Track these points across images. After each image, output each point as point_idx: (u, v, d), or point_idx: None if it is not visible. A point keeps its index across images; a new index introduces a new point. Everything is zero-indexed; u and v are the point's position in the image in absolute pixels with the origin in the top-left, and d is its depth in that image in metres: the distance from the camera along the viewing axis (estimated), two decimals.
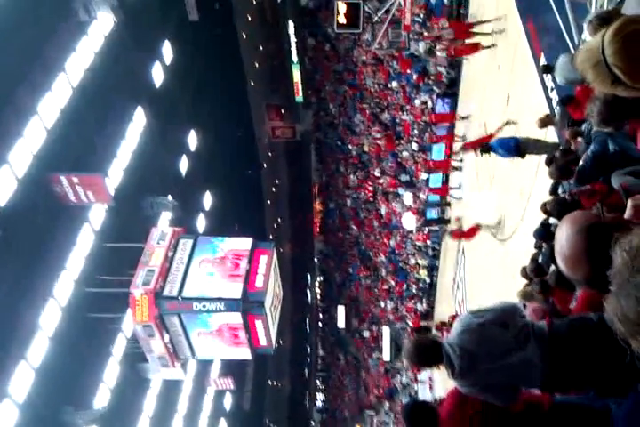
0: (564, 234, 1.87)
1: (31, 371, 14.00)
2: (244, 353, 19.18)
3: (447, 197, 22.58)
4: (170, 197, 20.31)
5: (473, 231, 17.18)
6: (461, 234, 18.37)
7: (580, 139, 5.93)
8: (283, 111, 36.38)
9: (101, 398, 16.89)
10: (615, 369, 2.74)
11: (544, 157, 7.51)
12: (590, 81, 2.03)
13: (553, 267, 5.59)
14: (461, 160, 20.97)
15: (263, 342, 18.96)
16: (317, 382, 48.13)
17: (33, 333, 14.28)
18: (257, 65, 34.89)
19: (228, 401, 29.55)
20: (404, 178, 27.57)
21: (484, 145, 10.17)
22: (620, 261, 1.27)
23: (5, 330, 13.36)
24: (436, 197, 22.91)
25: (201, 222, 25.28)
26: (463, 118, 20.37)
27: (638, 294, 1.19)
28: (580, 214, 1.88)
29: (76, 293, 15.94)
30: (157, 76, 21.25)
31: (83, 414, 15.30)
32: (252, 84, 33.40)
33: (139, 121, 19.60)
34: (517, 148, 9.20)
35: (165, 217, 20.69)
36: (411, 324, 30.45)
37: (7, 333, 13.44)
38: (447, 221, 23.39)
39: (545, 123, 7.95)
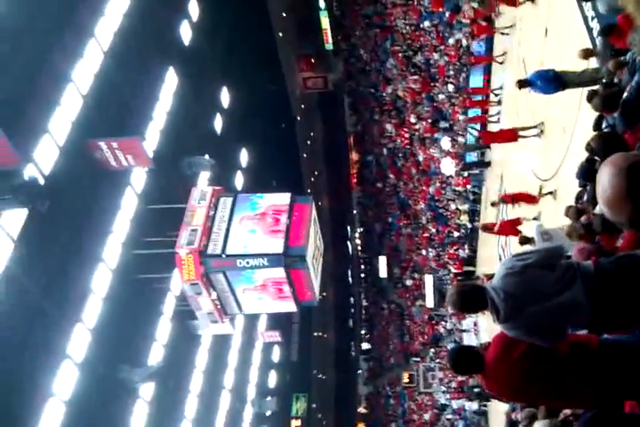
0: (604, 177, 1.85)
1: (87, 332, 14.52)
2: (289, 306, 19.52)
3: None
4: (207, 157, 20.40)
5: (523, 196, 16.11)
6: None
7: (624, 70, 5.66)
8: (313, 61, 35.73)
9: (155, 355, 17.49)
10: None
11: (586, 91, 7.22)
12: (632, 12, 1.91)
13: (597, 209, 5.45)
14: (499, 102, 20.43)
15: (307, 294, 19.23)
16: (362, 331, 48.91)
17: (86, 295, 14.74)
18: (284, 15, 34.15)
19: (276, 353, 30.35)
20: (443, 124, 27.03)
21: (521, 80, 9.82)
22: None
23: (61, 294, 13.82)
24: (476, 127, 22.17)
25: (239, 180, 25.42)
26: (501, 63, 19.73)
27: None
28: (619, 156, 1.86)
29: (124, 255, 16.33)
30: (186, 34, 21.02)
31: (139, 371, 15.86)
32: (281, 35, 32.79)
33: (171, 81, 19.54)
34: (557, 78, 8.82)
35: (204, 176, 20.84)
36: (454, 269, 30.49)
37: (62, 297, 13.91)
38: (487, 164, 22.98)
39: (587, 54, 7.63)
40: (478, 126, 22.06)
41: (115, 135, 15.47)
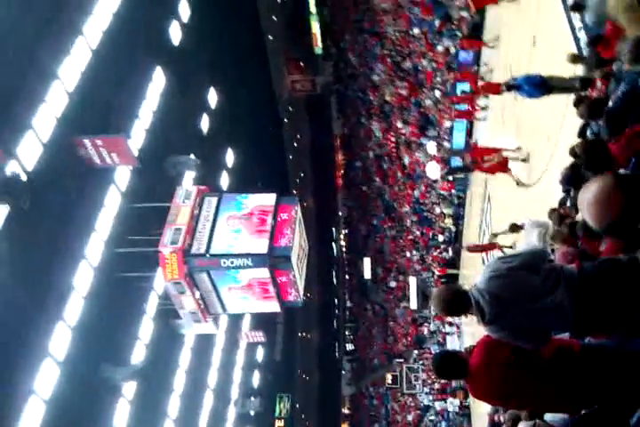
0: (591, 186, 1.90)
1: (69, 331, 14.42)
2: (274, 306, 19.51)
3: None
4: (193, 156, 20.34)
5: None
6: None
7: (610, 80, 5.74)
8: (302, 64, 35.81)
9: (138, 354, 17.42)
10: None
11: (572, 99, 7.31)
12: (623, 24, 1.97)
13: (579, 215, 5.52)
14: (485, 107, 20.56)
15: (291, 295, 19.24)
16: (346, 332, 48.99)
17: (68, 293, 14.65)
18: (275, 18, 34.19)
19: (260, 353, 30.33)
20: (432, 133, 27.11)
21: (508, 84, 9.94)
22: None
23: (42, 292, 13.72)
24: (460, 145, 22.43)
25: (224, 180, 25.37)
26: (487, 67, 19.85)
27: None
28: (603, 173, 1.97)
29: (107, 253, 16.24)
30: (175, 34, 20.99)
31: (121, 370, 15.81)
32: (271, 38, 32.81)
33: (158, 81, 19.47)
34: (543, 83, 8.94)
35: (189, 176, 20.78)
36: (437, 272, 30.63)
37: (44, 294, 13.81)
38: (472, 169, 23.10)
39: (574, 59, 7.74)
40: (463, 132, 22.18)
41: (100, 133, 15.39)
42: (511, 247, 13.77)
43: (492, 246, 16.40)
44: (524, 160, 15.21)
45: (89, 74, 15.30)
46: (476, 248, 18.33)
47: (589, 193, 1.91)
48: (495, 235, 16.34)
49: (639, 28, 1.87)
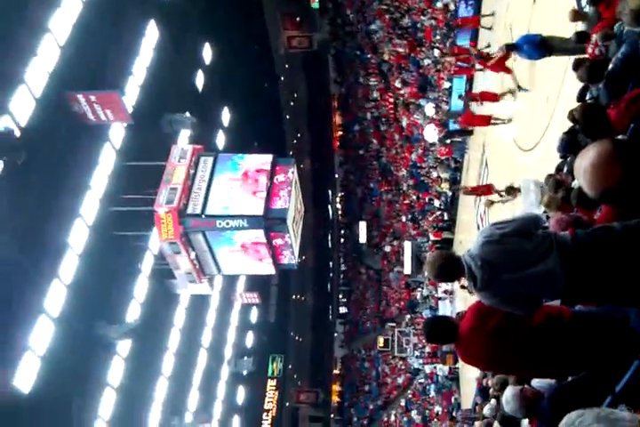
0: (589, 151, 1.85)
1: (64, 288, 14.48)
2: (269, 268, 19.58)
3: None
4: (188, 114, 20.08)
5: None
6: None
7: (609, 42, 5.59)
8: (298, 20, 35.01)
9: (133, 312, 17.56)
10: (636, 279, 2.70)
11: (572, 60, 7.15)
12: None
13: (575, 182, 5.45)
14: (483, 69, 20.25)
15: (286, 257, 19.30)
16: (340, 295, 49.47)
17: (63, 251, 14.66)
18: None
19: (254, 315, 30.64)
20: (431, 94, 26.76)
21: (508, 44, 9.77)
22: None
23: (37, 249, 13.73)
24: (458, 107, 22.20)
25: (220, 139, 25.12)
26: (489, 28, 19.50)
27: None
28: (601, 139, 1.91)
29: (102, 211, 16.19)
30: None
31: (115, 327, 15.95)
32: None
33: (152, 35, 19.03)
34: (544, 43, 8.76)
35: (185, 134, 20.56)
36: (432, 236, 30.73)
37: (38, 252, 13.83)
38: (470, 132, 22.94)
39: (576, 15, 7.54)
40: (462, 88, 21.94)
41: (93, 89, 15.14)
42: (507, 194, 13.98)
43: (488, 189, 16.61)
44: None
45: (81, 27, 14.94)
46: (473, 191, 18.51)
47: (586, 159, 1.86)
48: (492, 202, 16.36)
49: None
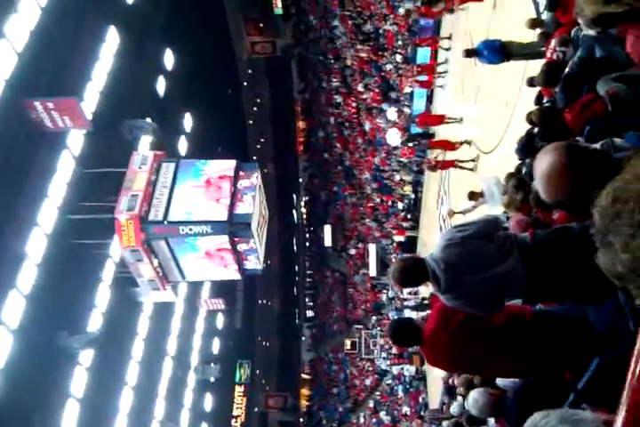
0: (544, 156, 1.91)
1: (22, 298, 14.16)
2: (234, 274, 19.45)
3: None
4: (149, 120, 19.85)
5: (450, 164, 17.30)
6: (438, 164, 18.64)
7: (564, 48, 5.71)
8: (261, 25, 34.97)
9: (95, 322, 17.24)
10: (595, 278, 2.74)
11: (530, 66, 7.30)
12: (579, 2, 1.96)
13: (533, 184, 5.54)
14: (445, 72, 20.55)
15: (251, 262, 19.20)
16: (306, 299, 49.45)
17: (21, 261, 14.33)
18: None
19: (219, 321, 30.40)
20: (393, 98, 27.00)
21: (468, 50, 9.91)
22: (596, 220, 1.20)
23: None
24: (420, 110, 22.56)
25: (182, 145, 24.90)
26: (447, 49, 19.92)
27: (618, 242, 1.12)
28: (557, 142, 1.96)
29: (61, 220, 15.89)
30: None
31: (77, 338, 15.64)
32: None
33: (112, 41, 18.79)
34: (503, 49, 8.92)
35: (146, 141, 20.30)
36: (396, 236, 30.96)
37: None
38: (432, 136, 23.20)
39: (534, 24, 7.70)
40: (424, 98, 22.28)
41: (51, 95, 14.87)
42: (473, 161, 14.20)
43: (450, 163, 17.15)
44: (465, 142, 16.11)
45: (38, 33, 14.68)
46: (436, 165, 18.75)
47: (539, 167, 1.91)
48: (454, 212, 16.58)
49: (597, 4, 1.87)
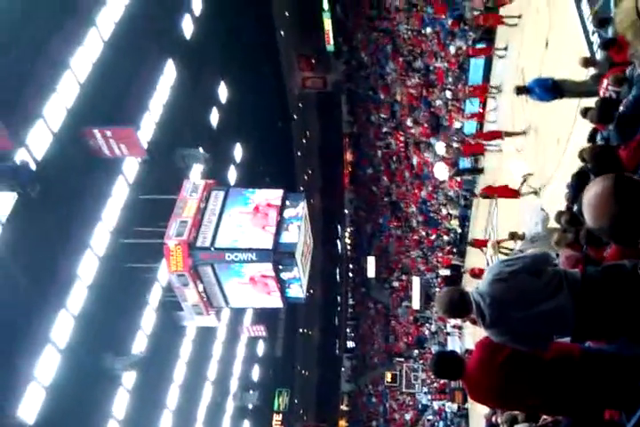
0: (592, 187, 1.95)
1: (71, 319, 14.48)
2: (276, 302, 19.50)
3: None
4: (201, 150, 20.35)
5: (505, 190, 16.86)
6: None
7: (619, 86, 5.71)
8: (313, 61, 35.74)
9: (139, 344, 17.48)
10: None
11: (583, 103, 7.28)
12: (629, 40, 2.02)
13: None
14: (495, 108, 20.54)
15: (294, 291, 19.25)
16: (347, 330, 49.01)
17: (72, 282, 14.71)
18: (287, 14, 34.12)
19: (260, 348, 30.38)
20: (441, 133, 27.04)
21: (520, 87, 9.92)
22: None
23: (46, 279, 13.78)
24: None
25: (232, 175, 25.38)
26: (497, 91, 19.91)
27: None
28: (605, 175, 1.99)
29: (112, 243, 16.29)
30: (187, 27, 20.99)
31: (122, 359, 15.86)
32: (282, 33, 32.76)
33: (169, 73, 19.49)
34: (555, 87, 8.91)
35: (197, 169, 20.80)
36: (442, 266, 30.60)
37: (48, 282, 13.87)
38: (481, 171, 23.06)
39: (587, 62, 7.70)
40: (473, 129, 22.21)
41: (110, 124, 15.42)
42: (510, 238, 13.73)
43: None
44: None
45: (100, 65, 15.33)
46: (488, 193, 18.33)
47: (588, 195, 1.94)
48: (499, 242, 16.33)
49: None
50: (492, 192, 17.37)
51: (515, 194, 16.02)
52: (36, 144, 13.32)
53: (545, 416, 4.11)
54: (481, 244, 17.96)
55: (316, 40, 34.74)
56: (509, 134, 16.39)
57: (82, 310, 14.81)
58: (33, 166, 13.00)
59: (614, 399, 3.22)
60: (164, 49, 19.20)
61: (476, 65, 21.16)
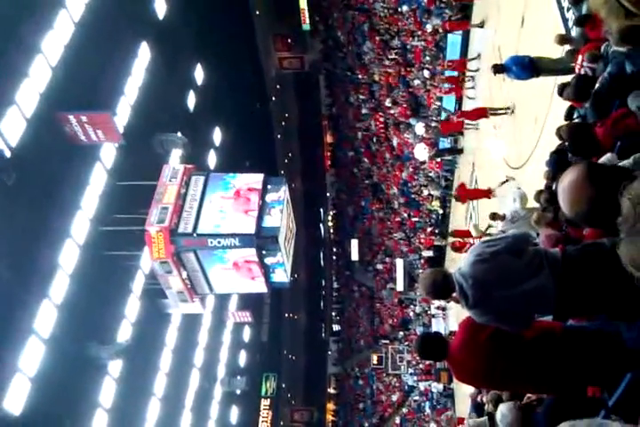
0: (566, 175, 1.96)
1: (54, 308, 14.38)
2: (261, 287, 19.53)
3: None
4: (179, 134, 20.15)
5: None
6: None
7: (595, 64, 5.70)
8: (290, 41, 35.33)
9: (124, 332, 17.42)
10: (627, 294, 2.74)
11: (559, 80, 7.28)
12: (604, 17, 2.01)
13: None
14: (474, 87, 20.53)
15: (279, 275, 19.27)
16: (333, 313, 49.26)
17: (53, 271, 14.58)
18: None
19: (246, 333, 30.45)
20: (423, 113, 27.00)
21: (497, 65, 9.90)
22: (625, 209, 1.24)
23: (26, 270, 13.64)
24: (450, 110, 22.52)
25: (212, 159, 25.18)
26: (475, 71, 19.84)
27: None
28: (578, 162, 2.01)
29: (93, 231, 16.15)
30: (160, 8, 20.61)
31: (107, 348, 15.82)
32: (258, 13, 32.32)
33: (144, 56, 19.17)
34: (532, 64, 8.91)
35: (176, 154, 20.60)
36: (424, 247, 30.78)
37: (29, 272, 13.73)
38: (460, 151, 23.12)
39: (562, 39, 7.70)
40: (452, 107, 22.18)
41: (84, 109, 15.19)
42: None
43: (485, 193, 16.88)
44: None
45: (72, 48, 15.02)
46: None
47: (561, 183, 1.94)
48: (477, 226, 16.45)
49: (619, 19, 1.91)
50: (464, 195, 17.97)
51: (487, 194, 16.40)
52: (10, 131, 13.08)
53: (529, 395, 4.15)
54: (462, 234, 18.05)
55: (292, 19, 34.31)
56: (494, 111, 16.27)
57: (64, 300, 14.70)
58: (7, 154, 12.78)
59: (596, 376, 3.25)
60: (138, 31, 18.85)
61: (453, 43, 21.08)
